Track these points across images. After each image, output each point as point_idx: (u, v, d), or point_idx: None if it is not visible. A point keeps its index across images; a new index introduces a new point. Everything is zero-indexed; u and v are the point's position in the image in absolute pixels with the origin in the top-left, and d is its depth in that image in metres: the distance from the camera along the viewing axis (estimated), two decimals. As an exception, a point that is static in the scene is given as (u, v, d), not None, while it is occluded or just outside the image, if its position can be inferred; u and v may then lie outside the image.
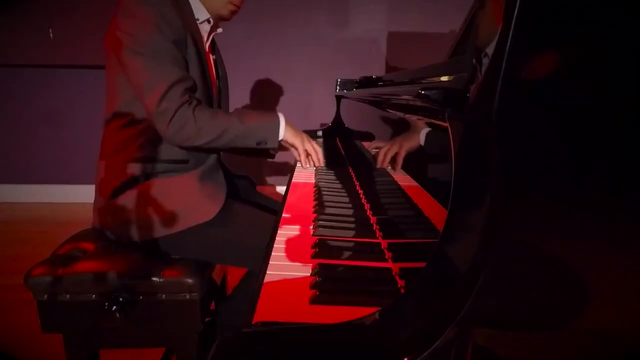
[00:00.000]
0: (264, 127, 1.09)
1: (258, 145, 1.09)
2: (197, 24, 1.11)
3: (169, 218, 1.02)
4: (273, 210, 1.27)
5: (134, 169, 1.04)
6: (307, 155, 1.19)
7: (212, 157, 1.15)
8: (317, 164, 1.22)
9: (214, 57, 1.25)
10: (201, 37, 1.12)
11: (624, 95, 0.37)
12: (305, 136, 1.18)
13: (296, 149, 1.17)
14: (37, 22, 2.88)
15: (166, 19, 0.99)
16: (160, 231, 1.02)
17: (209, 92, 1.15)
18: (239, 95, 3.17)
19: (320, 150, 1.21)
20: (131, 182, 1.04)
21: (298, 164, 1.41)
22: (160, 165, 1.06)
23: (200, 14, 1.12)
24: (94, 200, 1.11)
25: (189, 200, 1.05)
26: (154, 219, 1.02)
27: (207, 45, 1.16)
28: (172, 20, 1.00)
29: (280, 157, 1.49)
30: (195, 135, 1.01)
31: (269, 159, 1.51)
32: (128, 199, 1.03)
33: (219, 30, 1.21)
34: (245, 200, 1.29)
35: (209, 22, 1.14)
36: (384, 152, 0.88)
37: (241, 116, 1.07)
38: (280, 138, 1.12)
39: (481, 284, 0.35)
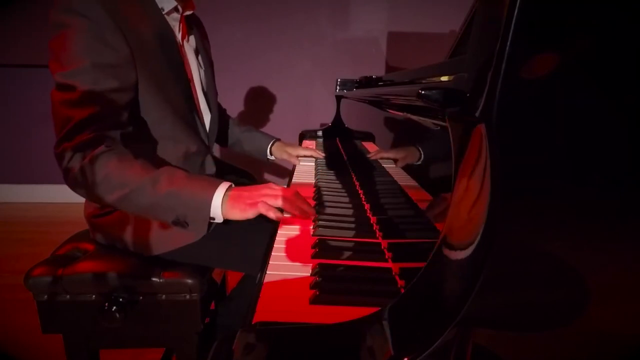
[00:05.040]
0: (185, 202, 0.80)
1: (175, 224, 0.82)
2: (163, 17, 0.99)
3: (158, 239, 0.98)
4: None
5: None
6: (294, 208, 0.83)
7: (209, 164, 1.11)
8: (309, 215, 0.84)
9: (190, 42, 1.12)
10: (171, 30, 1.01)
11: (624, 95, 0.37)
12: (259, 196, 0.81)
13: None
14: (37, 22, 2.88)
15: (101, 35, 0.82)
16: (151, 251, 0.99)
17: (187, 90, 1.05)
18: (238, 95, 3.17)
19: (294, 196, 0.84)
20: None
21: (298, 164, 1.42)
22: None
23: (166, 3, 0.99)
24: (85, 215, 1.07)
25: None
26: (143, 240, 0.98)
27: (180, 35, 1.05)
28: (110, 37, 0.83)
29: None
30: (90, 191, 0.82)
31: (269, 159, 1.50)
32: (115, 220, 1.00)
33: (190, 12, 1.07)
34: None
35: (177, 10, 1.02)
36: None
37: (157, 180, 0.80)
38: (214, 220, 0.82)
39: (481, 284, 0.35)
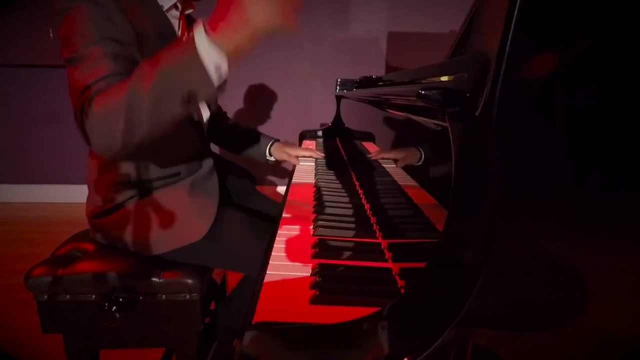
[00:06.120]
0: (177, 73, 0.70)
1: (187, 105, 0.71)
2: (164, 14, 1.00)
3: (158, 239, 0.98)
4: (268, 216, 1.25)
5: (120, 190, 0.99)
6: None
7: (207, 164, 1.11)
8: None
9: None
10: (172, 27, 1.02)
11: (624, 95, 0.37)
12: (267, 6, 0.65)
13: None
14: (37, 22, 2.88)
15: (106, 15, 0.82)
16: (150, 250, 0.99)
17: None
18: (238, 95, 3.17)
19: None
20: (116, 205, 1.00)
21: (298, 164, 1.41)
22: (149, 184, 1.00)
23: (165, 1, 1.00)
24: (86, 214, 1.07)
25: (179, 218, 0.98)
26: (143, 240, 0.98)
27: (179, 32, 1.06)
28: (116, 20, 0.84)
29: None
30: (107, 139, 0.76)
31: (268, 160, 1.49)
32: (115, 220, 1.00)
33: (190, 10, 1.08)
34: (240, 205, 1.25)
35: (176, 7, 1.03)
36: None
37: (142, 73, 0.71)
38: (222, 66, 0.69)
39: (481, 284, 0.35)
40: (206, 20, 0.69)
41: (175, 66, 0.70)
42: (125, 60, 0.83)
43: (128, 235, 0.99)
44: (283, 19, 0.66)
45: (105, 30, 0.82)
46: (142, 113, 0.71)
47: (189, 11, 1.09)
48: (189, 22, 1.12)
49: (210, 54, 0.68)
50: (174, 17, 1.05)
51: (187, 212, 1.01)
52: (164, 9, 1.01)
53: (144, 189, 1.01)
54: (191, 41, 0.68)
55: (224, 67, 0.70)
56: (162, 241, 0.99)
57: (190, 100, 0.71)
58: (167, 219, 0.99)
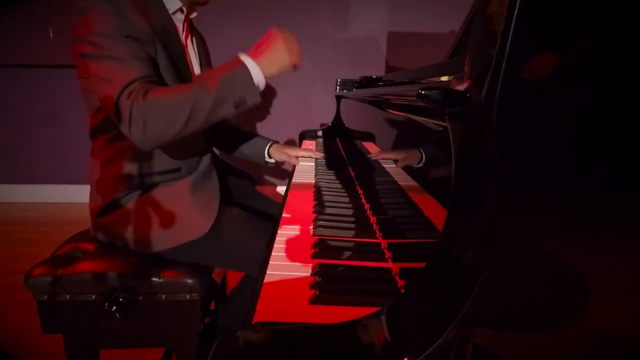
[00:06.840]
0: (234, 82, 0.91)
1: (238, 108, 0.92)
2: (169, 17, 1.04)
3: (160, 236, 0.99)
4: (268, 215, 1.26)
5: (122, 187, 1.01)
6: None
7: (206, 160, 1.11)
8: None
9: (193, 44, 1.18)
10: (176, 29, 1.06)
11: (624, 95, 0.37)
12: (287, 53, 1.00)
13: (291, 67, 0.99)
14: (37, 22, 2.88)
15: (124, 15, 0.90)
16: (151, 248, 1.00)
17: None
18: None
19: (290, 40, 1.03)
20: (119, 202, 1.01)
21: (298, 166, 1.41)
22: (150, 179, 1.02)
23: (171, 4, 1.05)
24: (89, 212, 1.08)
25: (181, 215, 1.00)
26: (144, 237, 0.99)
27: (184, 35, 1.10)
28: (133, 18, 0.91)
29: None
30: (164, 129, 0.88)
31: (268, 162, 1.48)
32: (117, 218, 1.01)
33: (194, 14, 1.13)
34: (241, 204, 1.26)
35: (181, 11, 1.07)
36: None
37: (204, 83, 0.89)
38: (260, 85, 0.94)
39: (481, 284, 0.35)
40: (247, 52, 0.95)
41: (233, 76, 0.91)
42: (148, 60, 0.93)
43: (130, 232, 0.99)
44: (296, 59, 1.02)
45: (125, 29, 0.89)
46: (203, 110, 0.88)
47: (193, 15, 1.12)
48: (191, 27, 1.16)
49: (255, 73, 0.92)
50: (178, 20, 1.08)
51: (189, 209, 1.01)
52: (170, 12, 1.04)
53: (145, 184, 1.01)
54: (240, 61, 0.92)
55: (262, 86, 0.95)
56: (163, 238, 0.99)
57: (240, 105, 0.93)
58: (169, 216, 1.00)
